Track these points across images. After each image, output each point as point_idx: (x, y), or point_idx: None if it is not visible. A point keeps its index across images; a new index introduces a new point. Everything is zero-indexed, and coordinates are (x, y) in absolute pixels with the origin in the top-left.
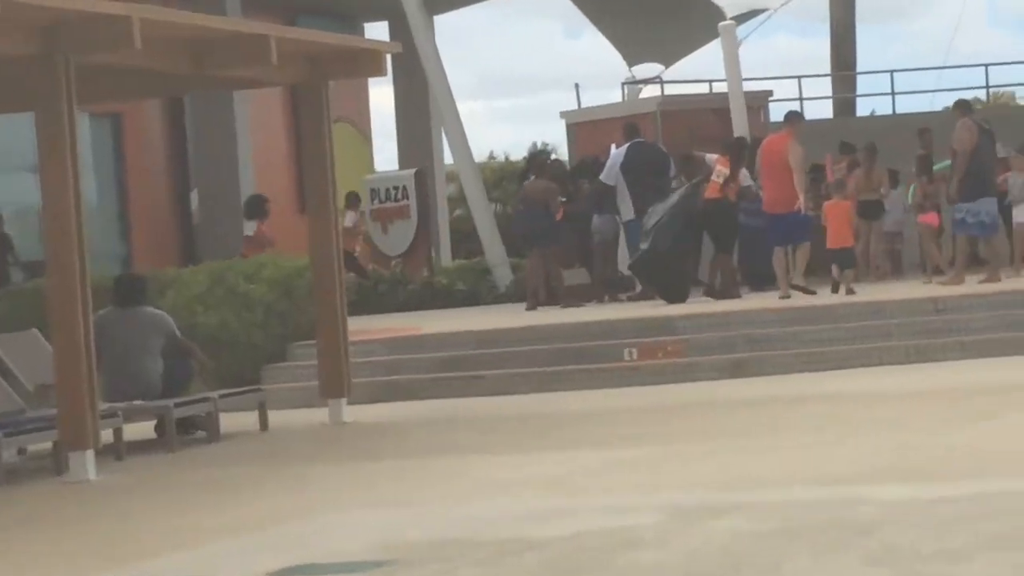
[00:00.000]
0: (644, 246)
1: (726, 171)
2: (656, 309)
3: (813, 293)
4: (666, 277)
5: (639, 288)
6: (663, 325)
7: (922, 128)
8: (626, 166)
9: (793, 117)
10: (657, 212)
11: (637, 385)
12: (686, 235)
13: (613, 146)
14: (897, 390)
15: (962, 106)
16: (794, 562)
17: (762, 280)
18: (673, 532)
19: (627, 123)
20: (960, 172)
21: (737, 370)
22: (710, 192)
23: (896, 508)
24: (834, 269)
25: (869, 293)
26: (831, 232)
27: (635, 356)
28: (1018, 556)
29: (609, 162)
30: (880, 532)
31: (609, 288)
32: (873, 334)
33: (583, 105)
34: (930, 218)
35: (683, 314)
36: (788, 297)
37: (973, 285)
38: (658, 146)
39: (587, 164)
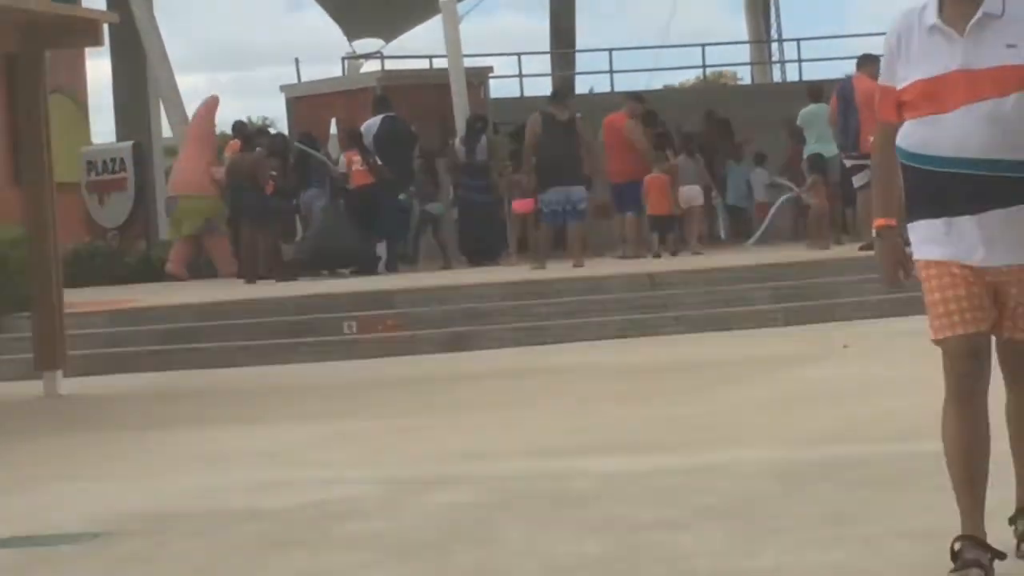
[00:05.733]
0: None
1: (358, 159)
2: (375, 283)
3: (643, 256)
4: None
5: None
6: (382, 299)
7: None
8: (379, 139)
9: (631, 100)
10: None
11: (357, 358)
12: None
13: (333, 120)
14: (614, 364)
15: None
16: (512, 533)
17: (480, 254)
18: (392, 504)
19: (378, 96)
20: (527, 165)
21: (457, 344)
22: (362, 179)
23: (613, 480)
24: (655, 236)
25: (584, 271)
26: (652, 201)
27: (355, 329)
28: (730, 524)
29: (363, 130)
30: (597, 503)
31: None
32: (591, 308)
33: (304, 79)
34: (522, 205)
35: (402, 288)
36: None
37: (686, 260)
38: (407, 123)
39: (306, 139)
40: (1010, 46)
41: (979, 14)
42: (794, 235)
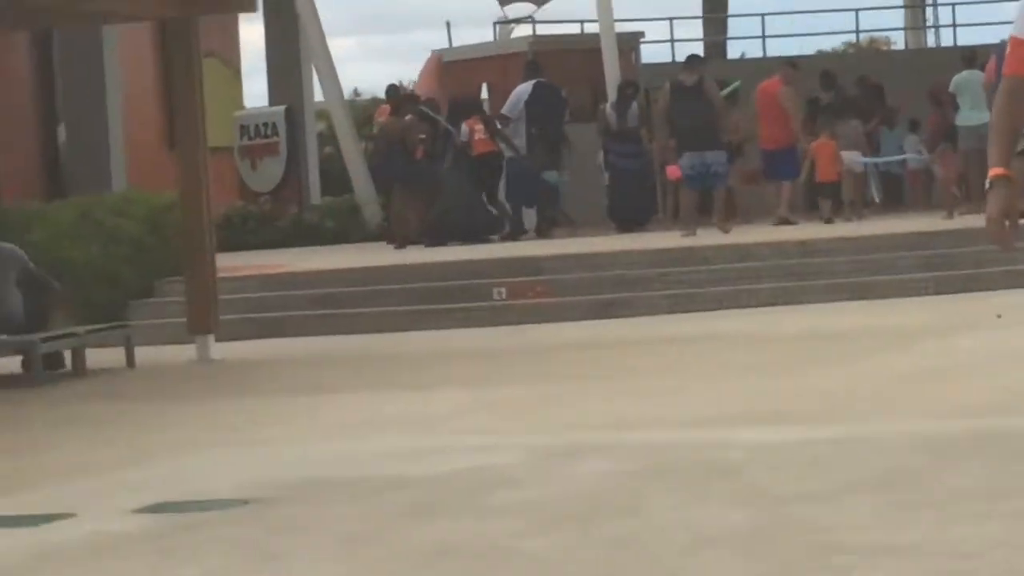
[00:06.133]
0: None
1: (480, 127)
2: (523, 249)
3: (795, 223)
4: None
5: (507, 228)
6: (530, 265)
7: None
8: (531, 104)
9: (786, 66)
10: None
11: (506, 324)
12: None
13: (484, 85)
14: (764, 333)
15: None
16: (659, 503)
17: (629, 221)
18: (541, 472)
19: (529, 61)
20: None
21: (605, 311)
22: (484, 148)
23: (760, 451)
24: (821, 201)
25: (733, 237)
26: (821, 167)
27: (504, 296)
28: (877, 497)
29: (514, 96)
30: (744, 474)
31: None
32: (741, 276)
33: (455, 43)
34: (672, 171)
35: (551, 254)
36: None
37: (836, 228)
38: (558, 88)
39: (459, 104)
40: None
41: None
42: (927, 203)
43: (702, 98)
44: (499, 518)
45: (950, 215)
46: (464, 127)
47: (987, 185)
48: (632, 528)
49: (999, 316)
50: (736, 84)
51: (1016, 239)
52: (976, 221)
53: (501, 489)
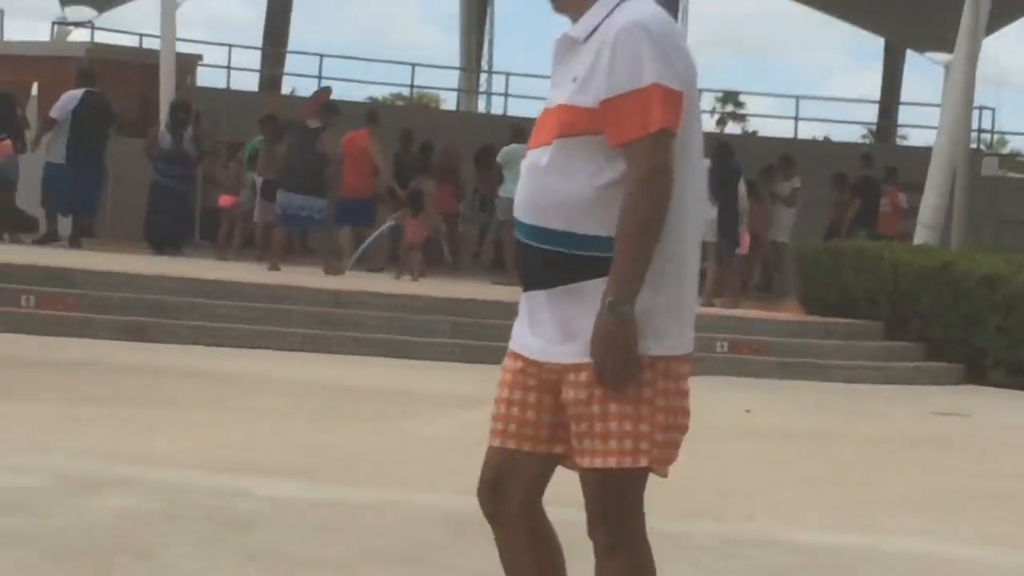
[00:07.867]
0: None
1: None
2: (56, 258)
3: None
4: None
5: (43, 232)
6: (62, 276)
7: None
8: (78, 113)
9: (372, 118)
10: None
11: (32, 335)
12: None
13: (35, 84)
14: (293, 379)
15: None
16: (174, 550)
17: (163, 242)
18: (55, 500)
19: (84, 68)
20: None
21: (134, 334)
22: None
23: (281, 507)
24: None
25: (272, 277)
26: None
27: (33, 304)
28: (393, 571)
29: (63, 100)
30: (262, 530)
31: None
32: (274, 318)
33: (7, 36)
34: (224, 200)
35: (83, 268)
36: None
37: (374, 282)
38: (108, 100)
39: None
40: (574, 79)
41: (563, 33)
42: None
43: (319, 144)
44: (6, 546)
45: (415, 278)
46: None
47: None
48: (144, 573)
49: None
50: None
51: None
52: (503, 294)
53: (11, 514)
